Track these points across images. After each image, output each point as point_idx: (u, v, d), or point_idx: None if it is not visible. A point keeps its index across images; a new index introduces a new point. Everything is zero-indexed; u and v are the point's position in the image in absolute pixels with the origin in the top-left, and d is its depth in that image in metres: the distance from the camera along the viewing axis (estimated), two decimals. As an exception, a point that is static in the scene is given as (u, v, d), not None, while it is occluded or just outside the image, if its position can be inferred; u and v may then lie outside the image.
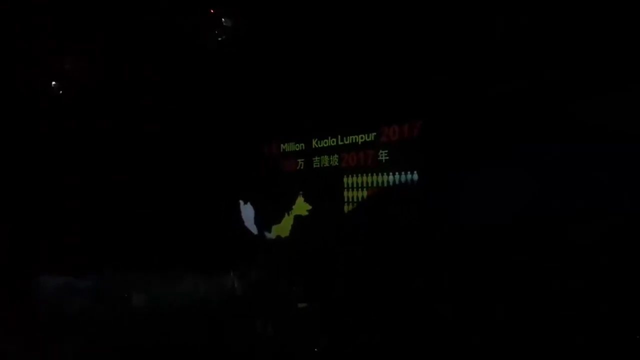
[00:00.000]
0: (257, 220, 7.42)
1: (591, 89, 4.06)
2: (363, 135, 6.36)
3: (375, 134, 6.21)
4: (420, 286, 3.73)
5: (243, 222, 7.52)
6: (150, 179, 7.75)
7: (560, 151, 4.17)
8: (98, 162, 7.61)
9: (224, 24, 5.36)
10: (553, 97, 4.32)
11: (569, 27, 4.12)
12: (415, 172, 5.77)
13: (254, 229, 7.43)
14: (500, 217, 4.25)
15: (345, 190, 6.50)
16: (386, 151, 6.12)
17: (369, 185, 6.25)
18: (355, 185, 6.42)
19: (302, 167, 7.02)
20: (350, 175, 6.47)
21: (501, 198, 4.40)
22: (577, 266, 3.34)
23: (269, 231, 7.23)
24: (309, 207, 6.82)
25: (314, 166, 6.87)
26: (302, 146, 7.04)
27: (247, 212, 7.54)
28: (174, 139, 7.66)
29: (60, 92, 6.57)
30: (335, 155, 6.64)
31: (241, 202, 7.61)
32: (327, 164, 6.74)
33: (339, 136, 6.61)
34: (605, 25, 3.94)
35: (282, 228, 7.06)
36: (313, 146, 6.91)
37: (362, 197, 6.31)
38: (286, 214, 7.00)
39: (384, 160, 6.14)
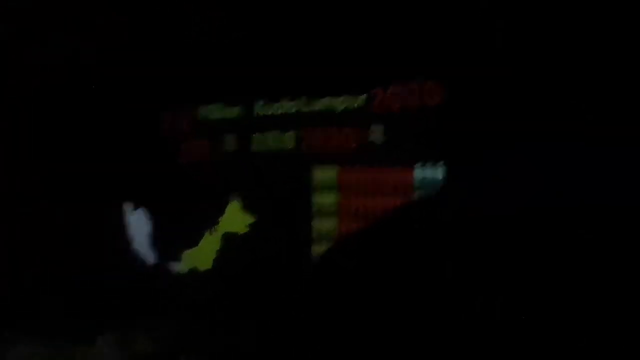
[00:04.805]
0: (155, 239, 4.73)
1: (591, 88, 3.72)
2: (345, 99, 4.17)
3: (365, 97, 4.08)
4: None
5: (129, 242, 4.74)
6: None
7: (561, 147, 3.74)
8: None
9: None
10: (553, 97, 4.03)
11: (569, 26, 3.90)
12: (431, 161, 3.79)
13: (148, 255, 4.68)
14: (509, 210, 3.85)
15: (316, 192, 4.17)
16: (382, 127, 4.07)
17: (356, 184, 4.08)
18: (330, 185, 4.14)
19: (236, 151, 4.51)
20: (323, 167, 4.21)
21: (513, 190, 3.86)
22: (579, 264, 2.83)
23: (176, 259, 4.59)
24: (249, 221, 4.37)
25: (257, 150, 4.45)
26: (235, 112, 4.52)
27: (138, 224, 4.79)
28: None
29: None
30: (294, 132, 4.34)
31: (127, 207, 4.81)
32: (280, 147, 4.39)
33: (304, 97, 4.27)
34: (605, 25, 3.70)
35: (200, 255, 4.53)
36: (256, 113, 4.44)
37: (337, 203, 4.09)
38: (207, 232, 4.50)
39: (378, 142, 4.07)
